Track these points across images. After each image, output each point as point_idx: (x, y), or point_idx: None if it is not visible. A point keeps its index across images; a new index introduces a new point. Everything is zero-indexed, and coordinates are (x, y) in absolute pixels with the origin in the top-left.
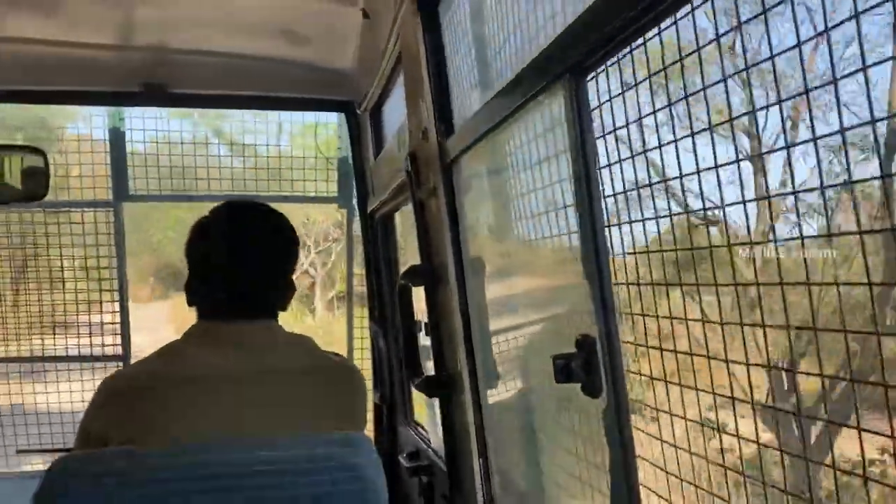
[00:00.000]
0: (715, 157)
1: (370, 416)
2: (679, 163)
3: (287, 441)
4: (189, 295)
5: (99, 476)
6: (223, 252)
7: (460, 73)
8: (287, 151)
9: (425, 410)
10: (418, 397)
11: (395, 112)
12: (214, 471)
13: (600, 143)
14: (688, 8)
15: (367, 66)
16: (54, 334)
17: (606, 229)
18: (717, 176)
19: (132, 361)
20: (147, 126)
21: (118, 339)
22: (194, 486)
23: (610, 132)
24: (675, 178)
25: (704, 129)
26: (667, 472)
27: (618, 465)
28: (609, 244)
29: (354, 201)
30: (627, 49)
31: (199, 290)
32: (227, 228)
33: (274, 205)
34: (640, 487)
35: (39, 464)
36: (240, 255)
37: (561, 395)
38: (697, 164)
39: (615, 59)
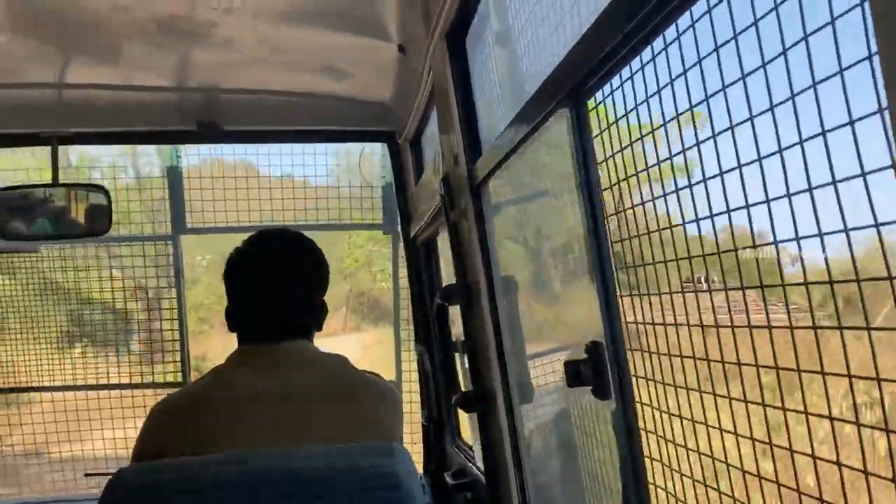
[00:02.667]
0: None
1: (418, 437)
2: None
3: (327, 451)
4: (229, 321)
5: (151, 487)
6: (257, 279)
7: (486, 99)
8: (335, 182)
9: (471, 429)
10: (465, 417)
11: (433, 140)
12: (260, 479)
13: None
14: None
15: (405, 97)
16: (118, 362)
17: (615, 244)
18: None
19: None
20: (203, 163)
21: (179, 367)
22: (242, 493)
23: (611, 156)
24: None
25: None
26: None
27: (627, 464)
28: (613, 257)
29: (399, 227)
30: (628, 74)
31: (236, 317)
32: (259, 256)
33: (323, 232)
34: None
35: None
36: (272, 281)
37: (586, 405)
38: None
39: (618, 83)
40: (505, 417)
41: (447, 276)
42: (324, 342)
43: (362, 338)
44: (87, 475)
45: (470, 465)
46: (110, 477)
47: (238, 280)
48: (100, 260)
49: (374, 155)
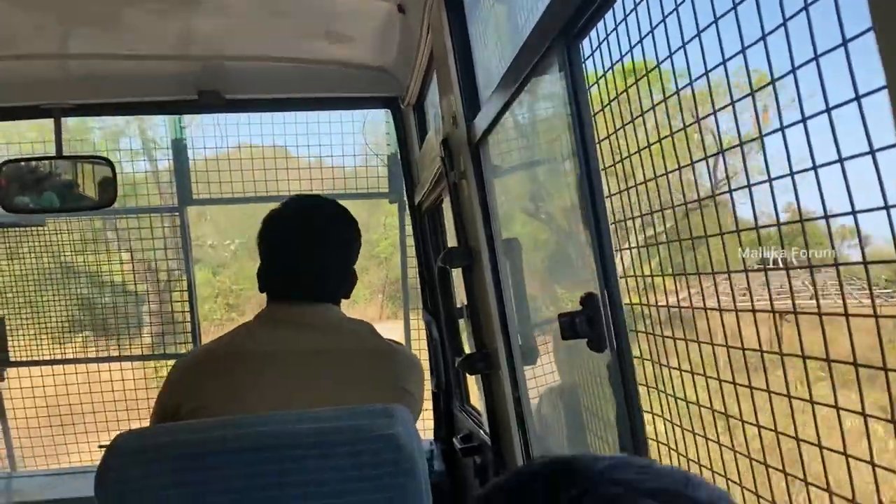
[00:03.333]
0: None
1: (429, 403)
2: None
3: (330, 413)
4: (260, 281)
5: (147, 450)
6: (291, 241)
7: (484, 55)
8: (339, 150)
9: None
10: (473, 383)
11: (435, 103)
12: (259, 442)
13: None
14: None
15: (406, 61)
16: (129, 334)
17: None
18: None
19: None
20: (206, 133)
21: (189, 338)
22: (236, 456)
23: (606, 105)
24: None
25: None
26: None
27: (623, 417)
28: (610, 210)
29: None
30: (622, 14)
31: (269, 277)
32: (295, 219)
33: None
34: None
35: None
36: (305, 244)
37: (583, 361)
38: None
39: (612, 26)
40: (508, 379)
41: (452, 241)
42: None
43: (401, 325)
44: (100, 447)
45: (478, 429)
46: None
47: (273, 241)
48: (106, 232)
49: (379, 122)
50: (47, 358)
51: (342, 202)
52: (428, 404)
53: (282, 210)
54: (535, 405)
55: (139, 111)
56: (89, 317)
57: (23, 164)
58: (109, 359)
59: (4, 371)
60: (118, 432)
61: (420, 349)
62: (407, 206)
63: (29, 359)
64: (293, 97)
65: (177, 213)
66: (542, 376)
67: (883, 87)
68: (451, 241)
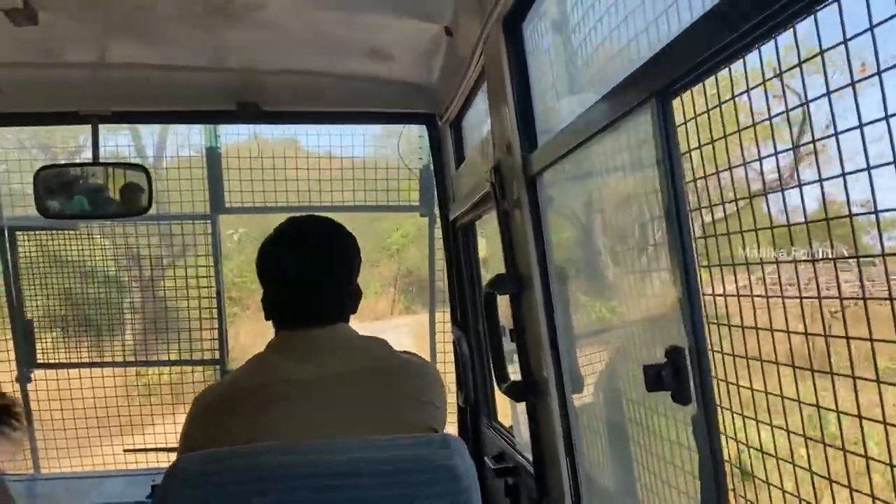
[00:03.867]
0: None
1: (454, 417)
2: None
3: (386, 443)
4: (265, 309)
5: (210, 474)
6: (289, 264)
7: (543, 88)
8: (372, 163)
9: (508, 413)
10: (500, 400)
11: (476, 124)
12: (320, 470)
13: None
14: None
15: (448, 80)
16: (157, 340)
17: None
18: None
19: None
20: (241, 143)
21: (216, 344)
22: (303, 483)
23: (696, 148)
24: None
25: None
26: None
27: (708, 471)
28: (696, 256)
29: (436, 210)
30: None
31: (273, 303)
32: (290, 244)
33: (360, 213)
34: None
35: (145, 462)
36: (304, 268)
37: (647, 402)
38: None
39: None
40: (557, 408)
41: (493, 262)
42: (372, 327)
43: (414, 321)
44: (125, 451)
45: (511, 449)
46: (166, 467)
47: (270, 267)
48: (139, 238)
49: (413, 137)
50: (74, 361)
51: (373, 214)
52: (453, 418)
53: (276, 234)
54: (585, 435)
55: (176, 120)
56: (118, 321)
57: (57, 170)
58: (137, 363)
59: (32, 372)
60: (141, 436)
61: (445, 362)
62: (438, 220)
63: (56, 361)
64: (330, 111)
65: (209, 221)
66: (596, 409)
67: None
68: (494, 263)
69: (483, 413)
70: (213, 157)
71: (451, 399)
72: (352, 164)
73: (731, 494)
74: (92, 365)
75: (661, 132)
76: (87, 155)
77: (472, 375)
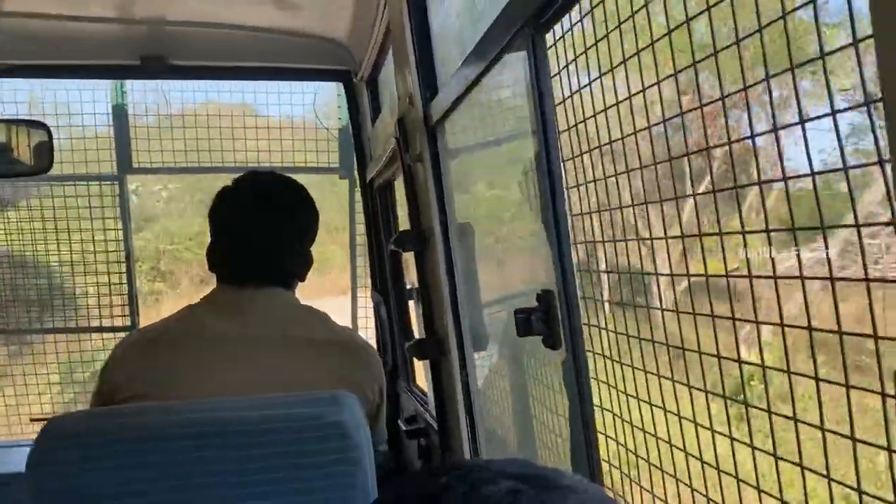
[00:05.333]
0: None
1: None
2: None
3: (277, 400)
4: (209, 260)
5: (84, 434)
6: (242, 219)
7: (444, 36)
8: (288, 122)
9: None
10: (420, 364)
11: (390, 80)
12: (201, 428)
13: None
14: None
15: (361, 34)
16: (64, 306)
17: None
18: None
19: None
20: (148, 100)
21: (127, 311)
22: (178, 442)
23: (569, 96)
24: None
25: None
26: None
27: (576, 414)
28: (568, 205)
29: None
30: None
31: (219, 257)
32: (247, 196)
33: (329, 175)
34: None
35: None
36: (259, 224)
37: (533, 352)
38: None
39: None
40: (457, 364)
41: (404, 222)
42: (330, 304)
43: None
44: (32, 420)
45: (423, 411)
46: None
47: (226, 218)
48: (42, 200)
49: (331, 96)
50: None
51: (291, 176)
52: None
53: (234, 186)
54: (483, 391)
55: (78, 75)
56: (21, 287)
57: None
58: (43, 330)
59: None
60: (50, 405)
61: (367, 327)
62: (357, 183)
63: None
64: (240, 65)
65: (116, 182)
66: (493, 364)
67: None
68: (403, 220)
69: (402, 377)
70: (119, 116)
71: None
72: (267, 123)
73: (601, 438)
74: None
75: (533, 69)
76: None
77: (390, 340)
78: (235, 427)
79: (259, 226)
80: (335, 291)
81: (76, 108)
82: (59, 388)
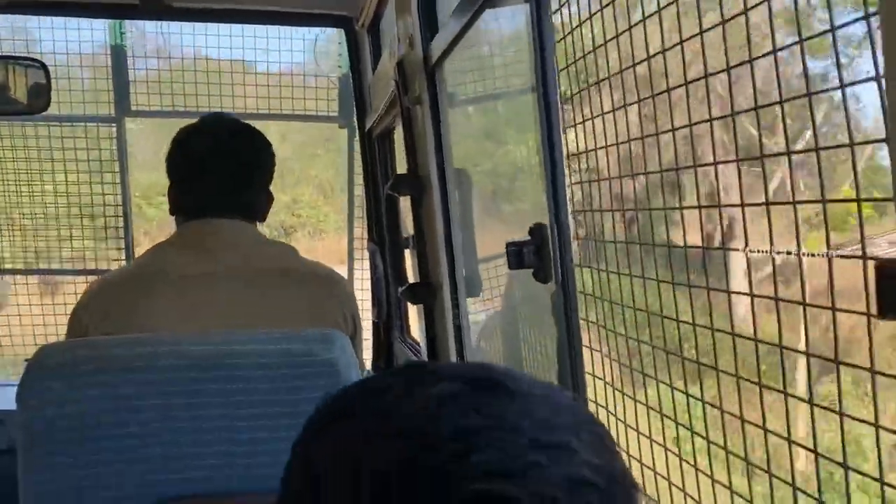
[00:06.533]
0: None
1: (370, 334)
2: None
3: (266, 336)
4: (171, 202)
5: (70, 364)
6: (203, 158)
7: None
8: (288, 70)
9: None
10: (414, 315)
11: (392, 28)
12: (191, 360)
13: None
14: None
15: None
16: (60, 248)
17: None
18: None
19: None
20: (148, 42)
21: (123, 255)
22: (166, 375)
23: (572, 62)
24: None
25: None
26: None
27: (563, 349)
28: (565, 144)
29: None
30: None
31: (179, 195)
32: (207, 137)
33: (277, 123)
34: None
35: None
36: (217, 160)
37: (525, 292)
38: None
39: None
40: (450, 310)
41: (402, 171)
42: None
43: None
44: (26, 361)
45: (416, 359)
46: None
47: (182, 159)
48: (39, 140)
49: (331, 42)
50: None
51: (292, 123)
52: (368, 334)
53: (194, 127)
54: (475, 336)
55: (74, 12)
56: (18, 227)
57: None
58: (38, 271)
59: None
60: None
61: (363, 279)
62: (357, 132)
63: None
64: (240, 8)
65: (114, 125)
66: (487, 309)
67: None
68: (402, 170)
69: (395, 327)
70: (118, 56)
71: (370, 316)
72: (267, 69)
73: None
74: None
75: (534, 10)
76: None
77: (385, 290)
78: (226, 360)
79: (219, 161)
80: (333, 260)
81: (74, 47)
82: (55, 329)
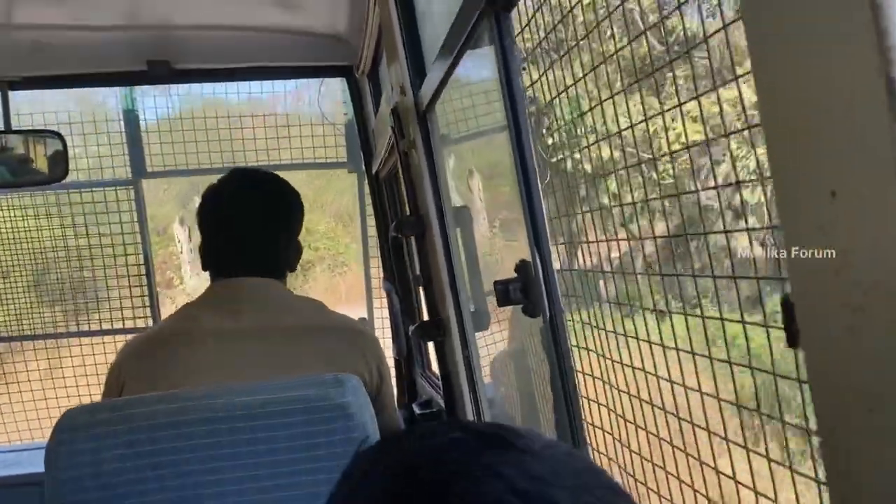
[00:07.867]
0: None
1: (393, 371)
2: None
3: (281, 384)
4: (202, 258)
5: (96, 424)
6: (231, 215)
7: (430, 24)
8: (296, 120)
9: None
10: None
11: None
12: (209, 413)
13: None
14: None
15: (359, 28)
16: (87, 310)
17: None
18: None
19: None
20: (158, 104)
21: (148, 312)
22: (197, 428)
23: (541, 75)
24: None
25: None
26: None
27: (556, 378)
28: (539, 177)
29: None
30: None
31: (210, 253)
32: (234, 193)
33: (286, 172)
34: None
35: None
36: (245, 218)
37: (527, 322)
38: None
39: None
40: (458, 344)
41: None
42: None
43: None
44: None
45: (437, 395)
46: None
47: (213, 216)
48: (60, 208)
49: (335, 91)
50: (3, 335)
51: (302, 172)
52: (392, 371)
53: (221, 184)
54: (488, 370)
55: (88, 83)
56: (46, 293)
57: None
58: (68, 334)
59: None
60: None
61: (383, 318)
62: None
63: None
64: (245, 66)
65: (131, 187)
66: (492, 344)
67: None
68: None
69: (416, 363)
70: (131, 121)
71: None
72: (275, 121)
73: (582, 402)
74: (22, 338)
75: (499, 48)
76: None
77: (403, 326)
78: (242, 411)
79: (246, 220)
80: (355, 296)
81: (88, 115)
82: (87, 389)
